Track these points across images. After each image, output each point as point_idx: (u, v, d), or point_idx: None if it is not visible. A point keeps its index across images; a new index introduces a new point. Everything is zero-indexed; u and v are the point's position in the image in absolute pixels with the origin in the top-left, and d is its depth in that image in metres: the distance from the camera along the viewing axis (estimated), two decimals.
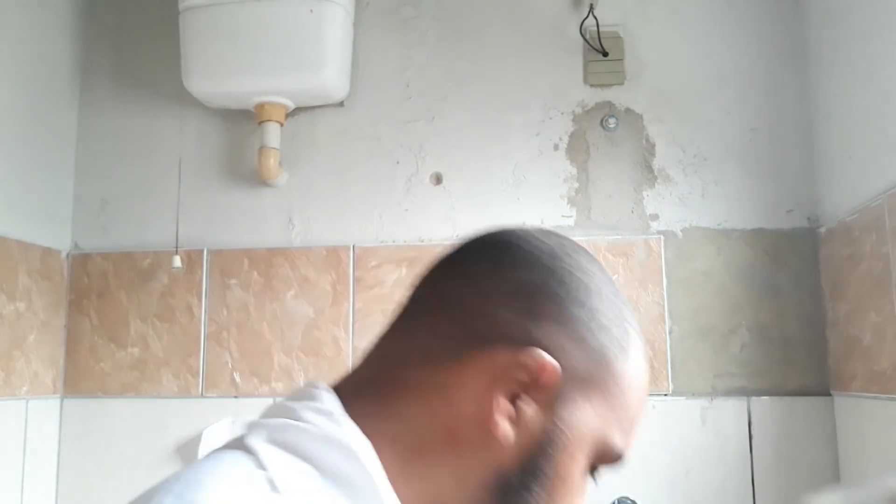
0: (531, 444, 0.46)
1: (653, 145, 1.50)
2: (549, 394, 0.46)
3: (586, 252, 0.52)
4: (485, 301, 0.48)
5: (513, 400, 0.46)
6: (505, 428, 0.45)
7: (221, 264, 1.57)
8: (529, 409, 0.46)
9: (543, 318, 0.47)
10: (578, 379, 0.47)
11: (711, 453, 1.39)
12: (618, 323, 0.51)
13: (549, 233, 0.52)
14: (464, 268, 0.51)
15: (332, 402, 0.46)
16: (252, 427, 0.46)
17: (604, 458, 0.50)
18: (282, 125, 1.54)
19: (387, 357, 0.50)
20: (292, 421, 0.45)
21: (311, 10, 1.45)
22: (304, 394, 0.48)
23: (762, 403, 1.39)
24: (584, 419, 0.48)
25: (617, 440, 0.50)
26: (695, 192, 1.48)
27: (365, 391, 0.48)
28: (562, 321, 0.48)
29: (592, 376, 0.48)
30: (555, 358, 0.46)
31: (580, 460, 0.48)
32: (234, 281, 1.56)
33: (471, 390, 0.46)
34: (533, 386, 0.46)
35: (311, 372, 1.50)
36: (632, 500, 1.39)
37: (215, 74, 1.49)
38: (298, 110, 1.59)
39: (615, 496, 1.39)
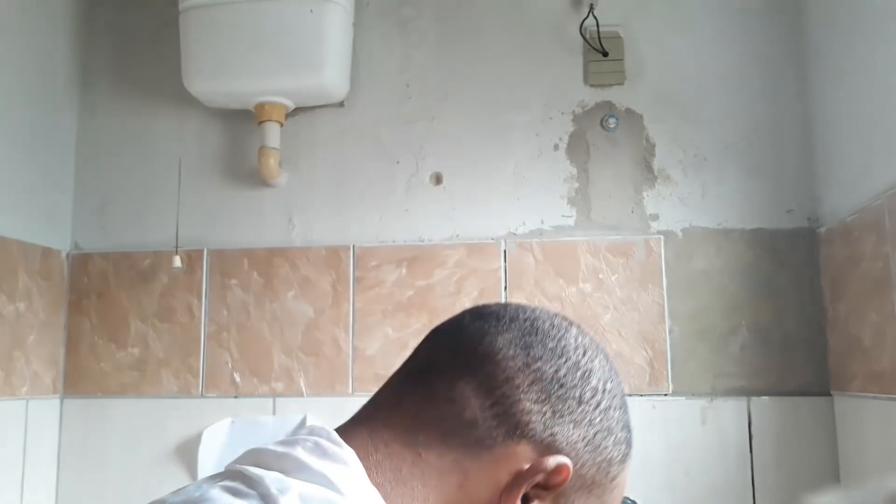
0: None
1: (653, 145, 1.50)
2: (556, 494, 0.48)
3: (603, 349, 0.54)
4: (515, 392, 0.48)
5: (523, 497, 0.47)
6: None
7: (221, 264, 1.57)
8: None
9: (566, 419, 0.49)
10: (583, 483, 0.49)
11: (711, 453, 1.39)
12: (625, 431, 0.52)
13: (571, 322, 0.54)
14: (495, 349, 0.50)
15: (360, 472, 0.45)
16: (283, 488, 0.43)
17: None
18: (282, 125, 1.54)
19: (407, 431, 0.48)
20: (334, 495, 0.43)
21: (311, 10, 1.45)
22: (328, 452, 0.46)
23: (762, 403, 1.39)
24: None
25: None
26: (695, 192, 1.48)
27: (383, 466, 0.47)
28: (581, 423, 0.49)
29: (595, 481, 0.50)
30: (570, 459, 0.48)
31: None
32: (234, 281, 1.56)
33: (488, 484, 0.47)
34: (544, 486, 0.47)
35: (311, 372, 1.50)
36: (632, 500, 1.39)
37: (215, 74, 1.49)
38: (298, 110, 1.59)
39: None
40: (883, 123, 1.18)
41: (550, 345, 0.50)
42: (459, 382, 0.49)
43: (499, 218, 1.52)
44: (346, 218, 1.56)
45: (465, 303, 1.48)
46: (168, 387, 1.54)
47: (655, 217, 1.48)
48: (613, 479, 0.51)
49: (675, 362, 1.43)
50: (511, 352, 0.49)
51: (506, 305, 0.54)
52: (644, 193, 1.49)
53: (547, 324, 0.52)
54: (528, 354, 0.49)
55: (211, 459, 1.49)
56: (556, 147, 1.52)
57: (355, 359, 1.50)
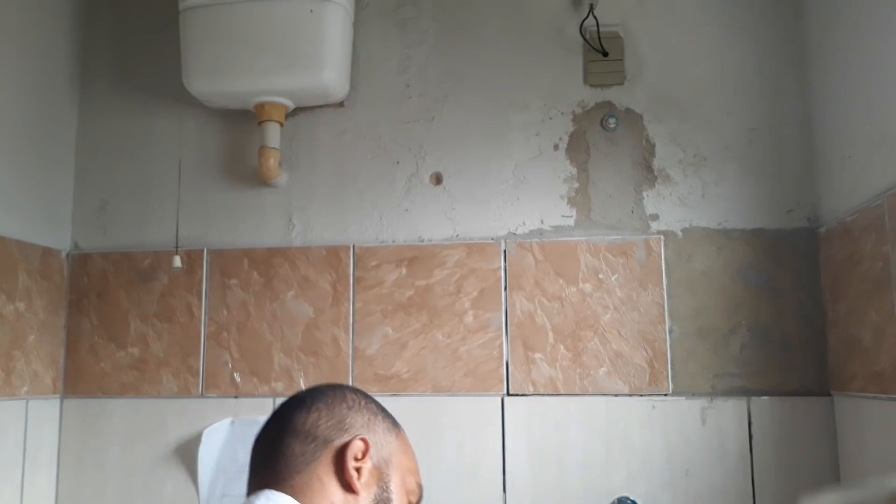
0: (378, 498, 0.81)
1: (653, 145, 1.50)
2: (372, 464, 0.81)
3: (358, 390, 0.87)
4: (313, 427, 0.80)
5: (356, 469, 0.79)
6: (356, 482, 0.79)
7: (221, 264, 1.57)
8: (365, 467, 0.80)
9: (346, 422, 0.82)
10: (380, 450, 0.82)
11: (711, 453, 1.39)
12: (386, 415, 0.86)
13: (336, 386, 0.87)
14: (296, 416, 0.82)
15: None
16: None
17: (412, 494, 0.86)
18: (282, 125, 1.54)
19: (276, 474, 0.79)
20: None
21: (311, 10, 1.45)
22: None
23: (762, 403, 1.39)
24: (400, 481, 0.83)
25: (415, 480, 0.86)
26: (695, 192, 1.48)
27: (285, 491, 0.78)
28: (356, 421, 0.82)
29: (390, 449, 0.84)
30: (364, 440, 0.81)
31: (403, 499, 0.84)
32: (234, 281, 1.56)
33: (329, 474, 0.79)
34: (360, 457, 0.80)
35: (311, 372, 1.50)
36: (632, 500, 1.39)
37: (215, 74, 1.49)
38: (298, 110, 1.59)
39: (615, 496, 1.39)
40: (883, 123, 1.18)
41: (325, 399, 0.83)
42: (287, 440, 0.80)
43: (499, 218, 1.52)
44: (346, 218, 1.56)
45: (465, 303, 1.48)
46: (168, 387, 1.54)
47: (655, 217, 1.48)
48: (401, 441, 0.85)
49: (675, 362, 1.43)
50: (303, 411, 0.82)
51: (305, 391, 0.86)
52: (644, 193, 1.49)
53: (320, 390, 0.85)
54: (310, 408, 0.82)
55: (211, 459, 1.49)
56: (556, 147, 1.52)
57: (355, 358, 1.50)
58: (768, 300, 1.42)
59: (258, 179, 1.56)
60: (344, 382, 1.49)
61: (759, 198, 1.46)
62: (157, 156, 1.64)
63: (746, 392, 1.40)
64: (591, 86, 1.53)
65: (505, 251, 1.50)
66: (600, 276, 1.46)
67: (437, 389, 1.47)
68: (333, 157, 1.58)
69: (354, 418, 0.82)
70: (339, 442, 0.79)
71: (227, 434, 1.51)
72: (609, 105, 1.52)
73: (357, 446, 0.80)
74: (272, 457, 0.80)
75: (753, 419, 1.39)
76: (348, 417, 0.82)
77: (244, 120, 1.59)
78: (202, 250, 1.58)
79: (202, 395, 1.53)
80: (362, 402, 0.85)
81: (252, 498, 0.77)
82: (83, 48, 1.69)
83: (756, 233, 1.45)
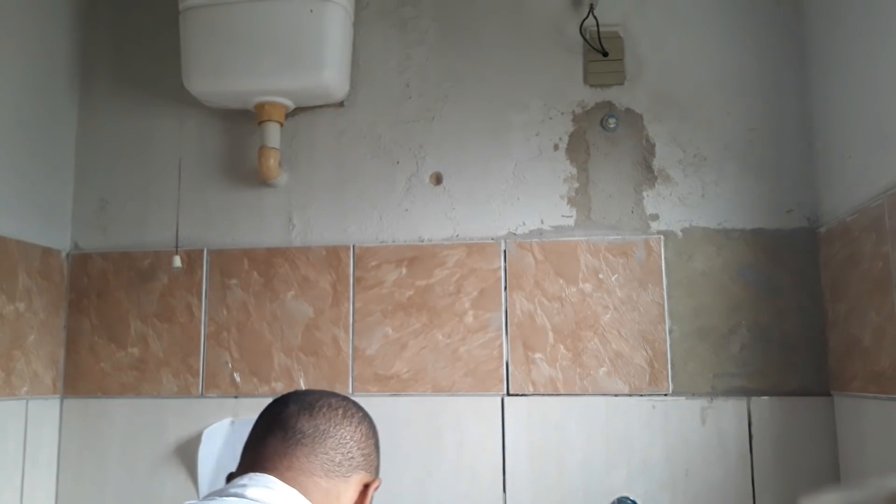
0: None
1: (653, 145, 1.50)
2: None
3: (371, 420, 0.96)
4: (353, 447, 0.89)
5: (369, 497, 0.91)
6: None
7: (221, 264, 1.57)
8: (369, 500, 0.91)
9: (372, 457, 0.92)
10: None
11: (711, 453, 1.39)
12: None
13: (366, 411, 0.96)
14: (339, 422, 0.90)
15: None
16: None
17: None
18: (282, 125, 1.54)
19: (310, 466, 0.86)
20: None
21: (311, 10, 1.45)
22: (266, 482, 0.85)
23: (762, 403, 1.39)
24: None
25: None
26: (695, 192, 1.48)
27: (298, 487, 0.85)
28: (377, 469, 0.94)
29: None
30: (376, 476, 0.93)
31: None
32: (234, 281, 1.56)
33: (349, 497, 0.88)
34: (374, 492, 0.91)
35: (311, 372, 1.50)
36: (632, 500, 1.39)
37: (215, 74, 1.49)
38: (298, 110, 1.59)
39: (615, 496, 1.39)
40: (883, 123, 1.18)
41: (368, 424, 0.94)
42: (331, 445, 0.88)
43: (499, 218, 1.52)
44: (346, 218, 1.56)
45: (465, 303, 1.48)
46: (168, 387, 1.54)
47: (655, 217, 1.48)
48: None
49: (675, 362, 1.43)
50: (350, 427, 0.90)
51: (345, 401, 0.94)
52: (644, 193, 1.49)
53: (360, 409, 0.94)
54: (353, 423, 0.91)
55: (211, 459, 1.49)
56: (556, 147, 1.52)
57: (355, 359, 1.50)
58: (768, 300, 1.42)
59: (258, 179, 1.56)
60: (345, 384, 1.49)
61: (758, 198, 1.46)
62: (157, 156, 1.64)
63: (746, 392, 1.40)
64: (591, 86, 1.53)
65: (505, 251, 1.50)
66: (600, 276, 1.46)
67: (437, 389, 1.47)
68: (333, 157, 1.58)
69: (377, 458, 0.94)
70: (366, 473, 0.90)
71: (227, 434, 1.51)
72: (609, 105, 1.52)
73: (375, 486, 0.91)
74: (314, 449, 0.88)
75: (753, 419, 1.39)
76: (374, 455, 0.93)
77: (244, 120, 1.59)
78: (202, 250, 1.58)
79: (202, 395, 1.53)
80: (379, 446, 0.96)
81: (285, 490, 0.84)
82: (83, 48, 1.69)
83: (756, 233, 1.45)
